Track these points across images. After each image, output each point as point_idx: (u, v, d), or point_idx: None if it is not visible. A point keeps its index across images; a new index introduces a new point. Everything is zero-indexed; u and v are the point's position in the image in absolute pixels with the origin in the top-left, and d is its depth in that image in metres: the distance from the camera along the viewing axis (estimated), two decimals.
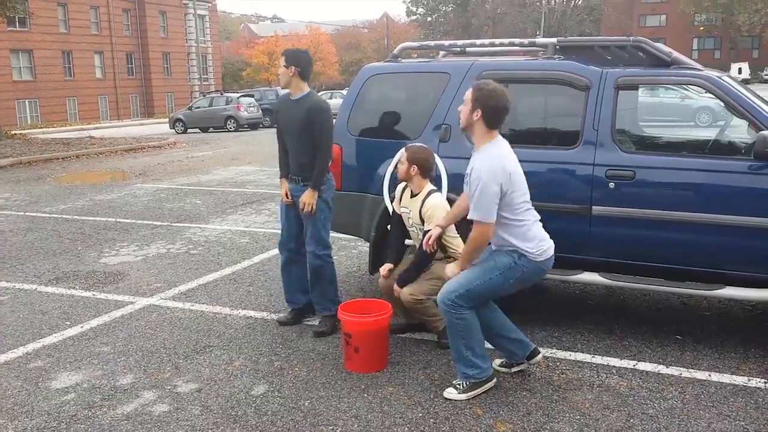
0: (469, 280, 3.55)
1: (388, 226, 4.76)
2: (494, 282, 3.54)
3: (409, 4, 77.63)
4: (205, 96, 33.04)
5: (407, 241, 4.61)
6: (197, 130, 30.43)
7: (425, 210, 4.15)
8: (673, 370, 3.96)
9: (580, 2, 73.93)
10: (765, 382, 3.78)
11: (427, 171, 4.26)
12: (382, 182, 4.85)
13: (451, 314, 3.57)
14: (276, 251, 6.98)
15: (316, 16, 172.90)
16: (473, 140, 3.58)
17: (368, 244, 5.11)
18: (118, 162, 17.21)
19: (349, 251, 7.02)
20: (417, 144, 4.35)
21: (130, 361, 4.27)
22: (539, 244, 3.56)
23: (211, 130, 30.30)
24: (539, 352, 3.91)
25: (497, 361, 4.00)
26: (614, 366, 4.03)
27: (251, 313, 5.15)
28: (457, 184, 4.60)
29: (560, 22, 69.65)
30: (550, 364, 4.09)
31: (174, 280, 6.07)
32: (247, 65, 61.50)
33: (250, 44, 65.04)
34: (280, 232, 4.87)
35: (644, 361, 4.10)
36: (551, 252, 3.64)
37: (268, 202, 10.26)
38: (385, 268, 4.42)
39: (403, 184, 4.39)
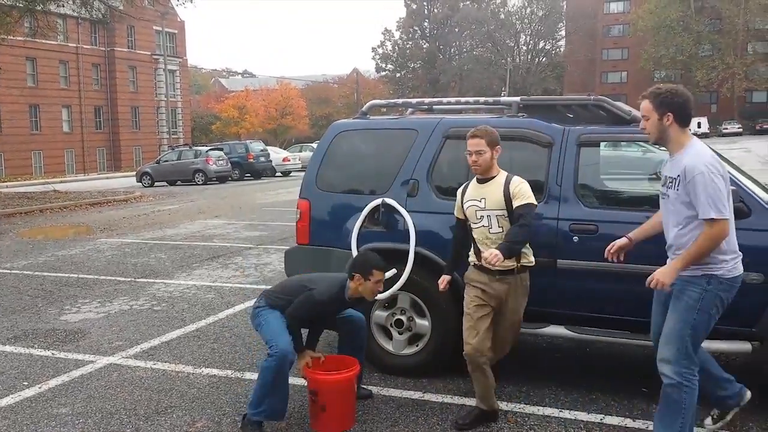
0: (678, 337, 3.23)
1: None
2: (699, 323, 3.23)
3: (379, 61, 79.57)
4: (173, 149, 32.99)
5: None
6: (164, 183, 30.25)
7: (513, 188, 3.86)
8: (640, 424, 3.96)
9: (543, 60, 76.56)
10: None
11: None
12: (350, 237, 4.85)
13: (685, 388, 3.21)
14: (242, 306, 6.95)
15: (286, 71, 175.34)
16: (669, 148, 3.43)
17: None
18: (83, 216, 16.96)
19: None
20: (481, 126, 4.01)
21: (89, 423, 4.12)
22: (734, 259, 3.28)
23: (178, 183, 30.14)
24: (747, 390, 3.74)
25: (708, 420, 3.81)
26: (582, 420, 4.03)
27: (215, 371, 5.04)
28: (425, 239, 4.64)
29: (525, 78, 71.93)
30: (519, 419, 4.06)
31: (136, 338, 5.93)
32: (216, 119, 61.75)
33: (220, 98, 65.51)
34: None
35: (611, 415, 4.10)
36: (741, 266, 3.34)
37: (234, 256, 10.18)
38: (443, 280, 4.14)
39: (462, 187, 4.14)
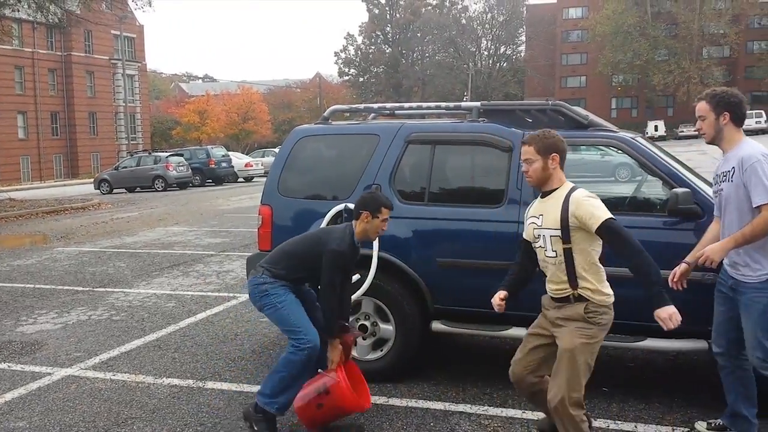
0: (764, 340, 3.34)
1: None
2: None
3: (342, 65, 79.56)
4: (132, 155, 32.46)
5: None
6: (123, 190, 29.72)
7: (574, 206, 3.22)
8: (601, 423, 4.03)
9: (504, 65, 77.48)
10: (688, 431, 3.89)
11: (565, 158, 3.42)
12: None
13: None
14: (204, 314, 6.87)
15: (248, 75, 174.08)
16: (722, 146, 3.58)
17: None
18: (39, 225, 16.55)
19: None
20: (536, 132, 3.46)
21: None
22: None
23: (138, 190, 29.65)
24: None
25: (702, 425, 3.88)
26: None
27: (176, 381, 4.96)
28: (388, 244, 4.64)
29: (486, 83, 72.68)
30: (483, 421, 4.09)
31: (95, 349, 5.80)
32: (177, 124, 60.89)
33: (180, 103, 64.63)
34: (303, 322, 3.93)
35: None
36: None
37: (196, 263, 10.04)
38: (497, 297, 3.59)
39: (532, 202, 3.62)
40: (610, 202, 5.61)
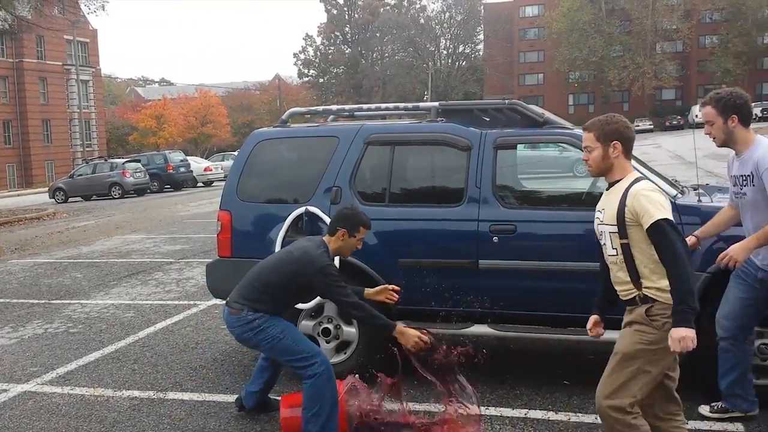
0: None
1: None
2: None
3: (301, 66, 79.17)
4: (87, 163, 31.78)
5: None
6: (79, 198, 29.08)
7: (631, 199, 2.88)
8: (562, 416, 4.09)
9: (464, 63, 78.10)
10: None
11: (631, 146, 3.07)
12: (274, 247, 4.79)
13: None
14: (163, 323, 6.75)
15: (206, 78, 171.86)
16: (736, 148, 3.63)
17: None
18: None
19: None
20: (599, 117, 3.12)
21: None
22: None
23: (94, 198, 29.05)
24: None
25: (706, 408, 3.99)
26: (507, 416, 4.12)
27: (136, 393, 4.86)
28: None
29: (446, 82, 73.18)
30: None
31: (52, 363, 5.65)
32: (133, 129, 59.83)
33: (137, 108, 63.47)
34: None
35: (535, 409, 4.21)
36: None
37: (154, 271, 9.86)
38: (591, 323, 3.28)
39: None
40: (569, 198, 5.80)
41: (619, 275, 3.00)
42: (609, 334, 4.27)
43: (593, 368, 4.91)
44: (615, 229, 2.94)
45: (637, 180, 2.96)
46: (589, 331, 3.30)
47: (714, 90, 3.72)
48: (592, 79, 69.31)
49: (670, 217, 2.83)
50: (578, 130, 4.78)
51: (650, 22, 63.89)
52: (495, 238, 4.49)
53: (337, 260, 4.45)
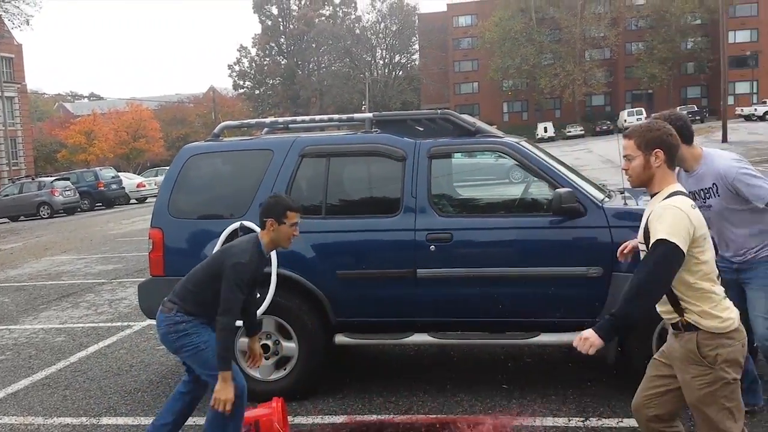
0: None
1: None
2: None
3: (236, 78, 78.26)
4: (14, 182, 30.52)
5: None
6: (6, 219, 27.89)
7: (654, 215, 2.68)
8: (503, 420, 4.13)
9: (400, 73, 78.76)
10: (582, 420, 4.07)
11: (675, 155, 2.82)
12: None
13: None
14: (96, 346, 6.52)
15: (137, 91, 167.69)
16: (685, 166, 3.74)
17: None
18: None
19: None
20: (641, 123, 2.95)
21: None
22: None
23: (21, 218, 27.89)
24: None
25: None
26: (450, 422, 4.12)
27: (68, 420, 4.69)
28: (287, 261, 4.57)
29: (383, 92, 73.61)
30: (389, 429, 4.10)
31: None
32: (62, 146, 57.76)
33: (65, 124, 61.35)
34: None
35: (477, 414, 4.24)
36: None
37: (86, 293, 9.52)
38: (585, 331, 2.73)
39: None
40: (503, 204, 5.91)
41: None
42: (545, 337, 4.42)
43: (531, 371, 5.04)
44: (644, 248, 2.74)
45: (671, 195, 2.71)
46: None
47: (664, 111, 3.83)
48: (525, 87, 71.00)
49: (675, 241, 2.57)
50: (509, 139, 4.90)
51: (579, 30, 66.04)
52: (432, 247, 4.52)
53: (274, 261, 4.49)
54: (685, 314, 2.67)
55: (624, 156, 2.84)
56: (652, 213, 2.69)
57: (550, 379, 4.80)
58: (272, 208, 3.59)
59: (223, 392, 3.38)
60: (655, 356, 2.94)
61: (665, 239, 2.57)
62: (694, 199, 3.72)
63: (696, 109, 57.97)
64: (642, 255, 2.78)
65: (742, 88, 61.10)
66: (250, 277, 3.53)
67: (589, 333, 2.62)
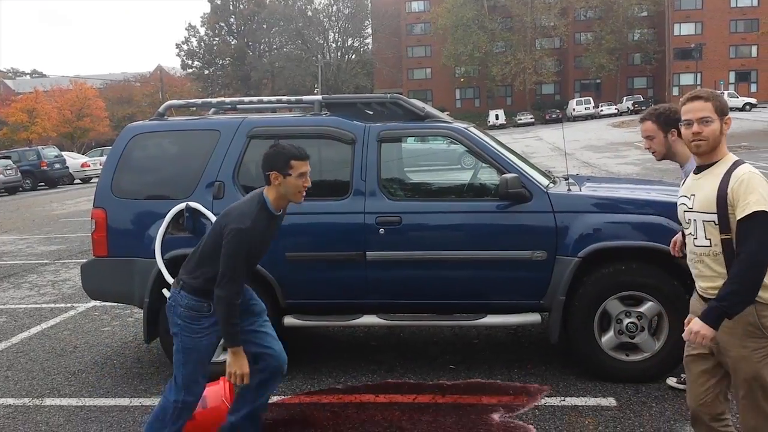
0: None
1: (163, 290, 4.56)
2: None
3: (184, 57, 76.41)
4: None
5: None
6: None
7: (736, 183, 2.55)
8: (449, 399, 4.23)
9: (353, 57, 78.28)
10: (526, 399, 4.19)
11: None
12: (154, 244, 4.62)
13: None
14: (39, 327, 6.34)
15: (82, 69, 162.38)
16: (678, 160, 3.82)
17: (142, 311, 4.82)
18: None
19: (124, 320, 6.55)
20: (704, 89, 2.80)
21: None
22: None
23: None
24: None
25: (672, 380, 4.18)
26: (397, 403, 4.21)
27: (10, 401, 4.58)
28: None
29: (336, 75, 73.04)
30: (336, 410, 4.14)
31: None
32: (3, 124, 55.58)
33: (6, 102, 58.99)
34: None
35: (423, 393, 4.33)
36: None
37: (28, 274, 9.24)
38: (692, 324, 2.61)
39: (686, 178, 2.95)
40: (453, 189, 5.98)
41: (712, 269, 2.65)
42: (491, 319, 4.52)
43: (479, 351, 5.15)
44: (713, 218, 2.61)
45: (738, 162, 2.65)
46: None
47: (652, 106, 3.93)
48: (477, 74, 71.63)
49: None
50: (457, 124, 4.95)
51: (529, 19, 66.90)
52: (381, 230, 4.55)
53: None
54: None
55: (699, 119, 2.66)
56: (739, 182, 2.54)
57: (496, 359, 4.91)
58: (273, 160, 3.22)
59: (236, 365, 3.16)
60: (689, 353, 2.79)
61: (763, 210, 2.48)
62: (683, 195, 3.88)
63: (642, 99, 59.59)
64: (700, 225, 2.66)
65: (686, 79, 62.99)
66: (254, 243, 3.15)
67: (699, 326, 2.53)
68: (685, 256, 2.90)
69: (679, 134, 3.59)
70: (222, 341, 3.27)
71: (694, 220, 2.69)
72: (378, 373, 4.74)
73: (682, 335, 2.63)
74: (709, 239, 2.64)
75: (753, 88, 64.76)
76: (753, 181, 2.54)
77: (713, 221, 2.60)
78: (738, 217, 2.52)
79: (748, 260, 2.48)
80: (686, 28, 66.80)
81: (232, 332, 3.15)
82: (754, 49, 65.34)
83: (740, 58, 66.94)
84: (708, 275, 2.66)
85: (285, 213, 3.42)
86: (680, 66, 64.56)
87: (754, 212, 2.48)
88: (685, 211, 2.77)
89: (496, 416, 3.94)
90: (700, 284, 2.72)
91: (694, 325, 2.54)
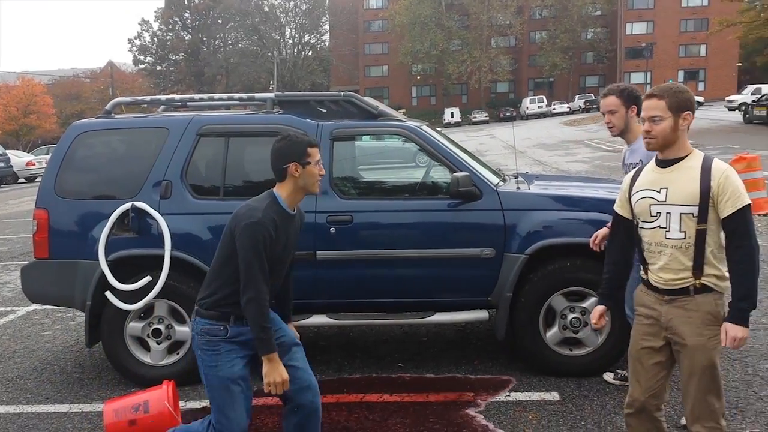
0: None
1: (107, 292, 4.46)
2: None
3: (137, 53, 74.76)
4: None
5: None
6: None
7: (719, 179, 2.62)
8: (396, 397, 4.25)
9: (310, 53, 77.76)
10: (473, 395, 4.23)
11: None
12: (97, 246, 4.51)
13: None
14: None
15: (29, 65, 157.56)
16: (628, 138, 3.89)
17: (84, 314, 4.69)
18: None
19: (65, 323, 6.38)
20: (664, 86, 2.81)
21: None
22: None
23: None
24: None
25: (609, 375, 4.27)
26: (345, 403, 4.21)
27: None
28: (182, 243, 4.48)
29: (292, 72, 72.46)
30: (278, 410, 4.09)
31: None
32: None
33: None
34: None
35: (371, 393, 4.34)
36: None
37: None
38: (596, 313, 2.95)
39: (633, 172, 2.96)
40: (405, 187, 5.98)
41: (678, 261, 2.70)
42: (440, 317, 4.55)
43: (428, 349, 5.17)
44: (692, 211, 2.65)
45: (709, 157, 2.71)
46: (594, 324, 2.97)
47: (613, 83, 4.04)
48: (433, 72, 71.99)
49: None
50: (410, 123, 4.96)
51: (486, 17, 67.58)
52: (332, 229, 4.53)
53: (167, 242, 4.23)
54: (702, 277, 2.67)
55: (650, 117, 2.73)
56: (725, 177, 2.61)
57: (443, 357, 4.95)
58: (291, 151, 2.97)
59: (273, 374, 2.87)
60: (643, 346, 2.83)
61: (749, 203, 2.62)
62: (626, 172, 3.97)
63: (593, 97, 60.68)
64: (677, 218, 2.69)
65: (636, 78, 64.52)
66: (267, 239, 2.86)
67: (734, 330, 2.59)
68: (602, 250, 2.96)
69: (638, 112, 3.74)
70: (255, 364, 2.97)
71: (668, 213, 2.71)
72: (326, 372, 4.72)
73: (726, 345, 2.63)
74: (684, 231, 2.69)
75: (701, 86, 66.78)
76: (734, 175, 2.65)
77: (692, 213, 2.65)
78: (730, 211, 2.60)
79: (748, 251, 2.60)
80: (638, 27, 68.49)
81: (265, 338, 2.85)
82: (703, 48, 67.41)
83: (689, 57, 69.01)
84: (674, 268, 2.71)
85: (303, 215, 3.25)
86: (631, 65, 66.14)
87: (745, 206, 2.60)
88: (651, 205, 2.76)
89: (442, 413, 3.97)
90: (660, 275, 2.75)
91: (734, 332, 2.58)
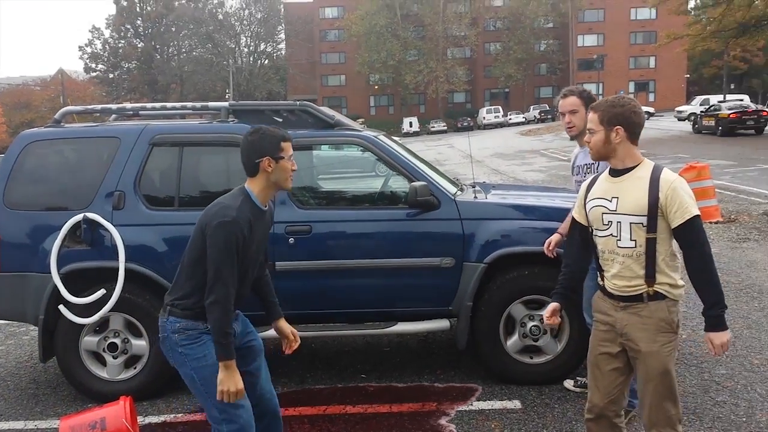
0: None
1: (60, 306, 4.33)
2: None
3: (88, 61, 73.24)
4: None
5: None
6: None
7: (666, 191, 2.68)
8: (359, 408, 4.23)
9: (266, 62, 77.34)
10: (436, 405, 4.23)
11: (637, 132, 2.83)
12: (49, 258, 4.38)
13: None
14: None
15: None
16: (580, 140, 3.92)
17: (38, 329, 4.55)
18: None
19: (19, 338, 6.16)
20: (608, 98, 2.88)
21: None
22: None
23: None
24: None
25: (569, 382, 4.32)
26: (306, 416, 4.16)
27: None
28: (136, 254, 4.38)
29: (249, 81, 71.97)
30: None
31: None
32: None
33: None
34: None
35: (333, 405, 4.29)
36: None
37: None
38: (550, 311, 3.00)
39: (589, 179, 3.02)
40: (364, 197, 5.98)
41: (630, 269, 2.76)
42: (401, 326, 4.54)
43: (390, 359, 5.17)
44: (642, 220, 2.71)
45: (659, 168, 2.77)
46: (547, 320, 3.01)
47: (569, 86, 4.13)
48: (391, 82, 72.30)
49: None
50: (367, 132, 4.96)
51: (441, 28, 68.27)
52: (291, 240, 4.50)
53: (121, 254, 4.16)
54: (655, 284, 2.74)
55: (588, 129, 2.89)
56: (672, 189, 2.68)
57: (405, 367, 4.95)
58: (263, 145, 2.87)
59: (228, 382, 2.76)
60: (600, 351, 2.89)
61: (698, 214, 2.70)
62: (577, 174, 4.05)
63: (547, 108, 61.85)
64: (626, 227, 2.74)
65: (588, 88, 65.80)
66: (244, 242, 2.80)
67: (717, 338, 2.68)
68: (558, 256, 3.00)
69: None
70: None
71: (618, 222, 2.77)
72: (288, 385, 4.67)
73: (716, 354, 2.73)
74: (635, 240, 2.74)
75: (651, 97, 68.72)
76: (683, 186, 2.71)
77: (642, 223, 2.72)
78: (679, 222, 2.67)
79: (703, 258, 2.69)
80: (589, 40, 70.13)
81: (225, 343, 2.76)
82: (652, 60, 69.38)
83: (639, 69, 70.97)
84: (626, 275, 2.77)
85: (273, 212, 3.17)
86: (583, 76, 67.55)
87: (693, 216, 2.67)
88: (603, 213, 2.82)
89: (405, 423, 3.96)
90: (614, 282, 2.81)
91: (718, 338, 2.68)
